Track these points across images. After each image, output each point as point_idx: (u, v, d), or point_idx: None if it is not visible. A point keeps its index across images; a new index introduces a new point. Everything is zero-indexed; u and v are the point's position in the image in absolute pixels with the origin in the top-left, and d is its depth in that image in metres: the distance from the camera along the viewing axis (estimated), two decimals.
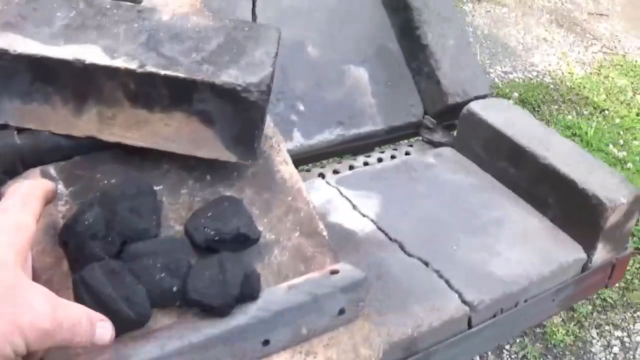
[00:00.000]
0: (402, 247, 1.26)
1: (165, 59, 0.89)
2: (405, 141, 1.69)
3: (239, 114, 0.93)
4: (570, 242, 1.32)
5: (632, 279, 2.35)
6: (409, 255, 1.25)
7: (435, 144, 1.60)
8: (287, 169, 1.08)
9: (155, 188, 0.89)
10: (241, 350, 0.80)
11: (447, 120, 1.61)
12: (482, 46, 3.74)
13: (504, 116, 1.47)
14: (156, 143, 0.94)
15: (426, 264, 1.23)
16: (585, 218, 1.29)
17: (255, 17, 1.51)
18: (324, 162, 1.58)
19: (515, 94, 3.35)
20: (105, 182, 0.89)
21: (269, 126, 1.11)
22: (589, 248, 1.30)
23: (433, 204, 1.37)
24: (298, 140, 1.45)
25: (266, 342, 0.81)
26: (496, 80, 3.52)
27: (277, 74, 1.47)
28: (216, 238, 0.85)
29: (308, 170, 1.50)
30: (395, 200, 1.38)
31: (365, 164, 1.54)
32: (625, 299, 2.28)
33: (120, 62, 0.87)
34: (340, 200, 1.37)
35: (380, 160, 1.55)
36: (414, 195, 1.39)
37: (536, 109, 3.35)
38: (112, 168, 0.90)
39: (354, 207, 1.35)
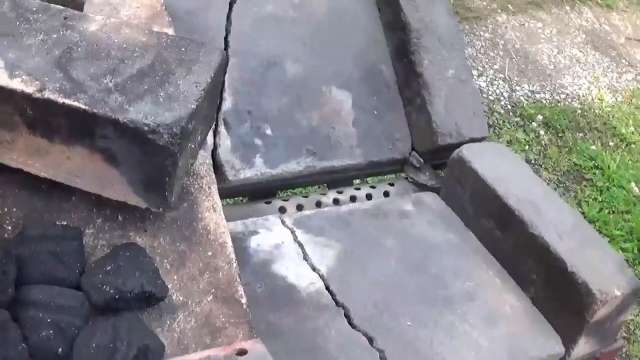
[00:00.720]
0: (347, 315, 1.08)
1: (72, 82, 0.77)
2: (393, 176, 1.50)
3: (146, 157, 0.79)
4: (549, 330, 1.12)
5: (634, 330, 2.15)
6: (354, 326, 1.06)
7: (420, 186, 1.41)
8: (213, 218, 0.93)
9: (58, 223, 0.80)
10: None
11: (437, 159, 1.41)
12: (511, 61, 3.50)
13: (497, 167, 1.27)
14: (58, 176, 0.81)
15: (371, 340, 1.05)
16: (570, 306, 1.10)
17: (229, 25, 1.33)
18: (291, 192, 1.40)
19: (540, 117, 3.13)
20: (6, 209, 0.80)
21: (204, 162, 0.97)
22: (569, 341, 1.11)
23: (398, 264, 1.18)
24: (259, 168, 1.27)
25: None
26: (522, 99, 3.30)
27: (247, 90, 1.29)
28: (116, 297, 0.75)
29: (268, 202, 1.32)
30: (356, 253, 1.19)
31: (336, 201, 1.35)
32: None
33: (17, 84, 0.75)
34: (292, 246, 1.19)
35: (353, 198, 1.36)
36: (378, 250, 1.21)
37: (559, 135, 3.13)
38: (16, 195, 0.81)
39: (306, 256, 1.17)
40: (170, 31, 1.05)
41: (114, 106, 0.75)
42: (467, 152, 1.30)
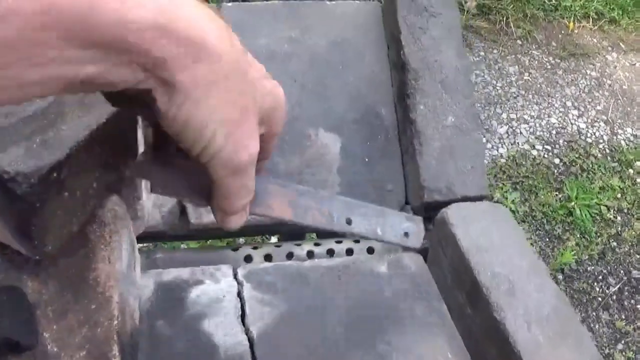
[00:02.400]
0: None
1: None
2: None
3: (12, 205, 0.73)
4: None
5: None
6: None
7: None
8: (105, 269, 0.86)
9: None
10: None
11: (431, 216, 1.25)
12: (616, 102, 3.21)
13: (482, 233, 1.11)
14: None
15: None
16: None
17: None
18: (264, 238, 1.29)
19: (638, 164, 2.85)
20: None
21: (112, 209, 0.89)
22: None
23: (343, 335, 1.05)
24: None
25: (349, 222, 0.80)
26: (622, 142, 3.03)
27: None
28: None
29: (235, 250, 1.22)
30: (300, 316, 1.07)
31: (310, 253, 1.23)
32: None
33: None
34: (233, 301, 1.08)
35: (331, 252, 1.24)
36: (327, 316, 1.08)
37: None
38: None
39: (244, 315, 1.06)
40: None
41: None
42: (453, 213, 1.14)
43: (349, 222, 0.86)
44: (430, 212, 1.24)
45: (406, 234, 0.89)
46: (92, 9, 0.42)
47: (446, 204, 1.18)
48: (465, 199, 1.19)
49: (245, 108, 0.55)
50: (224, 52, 0.50)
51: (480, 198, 1.21)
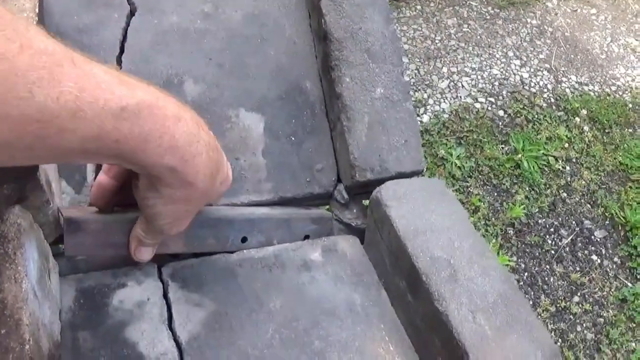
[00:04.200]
0: None
1: None
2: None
3: None
4: None
5: None
6: None
7: (345, 226, 1.19)
8: (12, 290, 0.80)
9: None
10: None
11: (365, 195, 1.18)
12: (559, 50, 3.18)
13: (419, 214, 1.04)
14: None
15: None
16: None
17: (125, 41, 1.15)
18: None
19: (584, 112, 2.82)
20: None
21: (14, 223, 0.81)
22: None
23: (276, 333, 0.98)
24: None
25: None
26: (567, 91, 3.00)
27: None
28: None
29: None
30: (230, 316, 0.99)
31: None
32: None
33: None
34: (158, 304, 1.00)
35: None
36: (258, 314, 1.00)
37: (606, 131, 2.83)
38: None
39: (170, 319, 0.98)
40: None
41: None
42: (387, 192, 1.07)
43: (244, 240, 1.02)
44: (364, 190, 1.17)
45: (306, 237, 1.04)
46: (136, 152, 0.68)
47: (380, 181, 1.10)
48: (400, 175, 1.12)
49: (195, 212, 0.85)
50: (199, 186, 0.76)
51: (416, 173, 1.13)
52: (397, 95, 1.15)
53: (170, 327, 0.97)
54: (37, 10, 1.01)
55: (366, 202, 1.17)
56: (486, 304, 0.93)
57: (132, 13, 1.19)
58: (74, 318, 0.97)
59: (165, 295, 1.01)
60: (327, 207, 1.23)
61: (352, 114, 1.11)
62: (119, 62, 1.14)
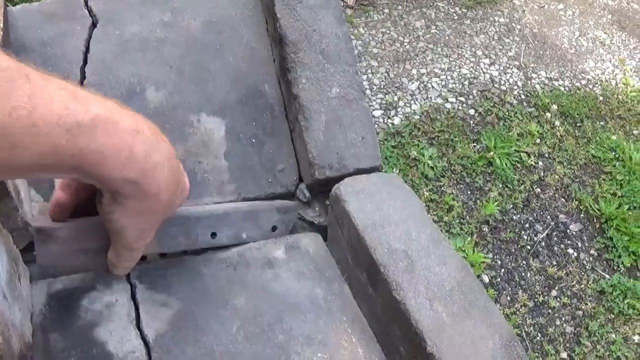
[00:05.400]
0: None
1: None
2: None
3: None
4: None
5: None
6: None
7: (308, 224, 1.22)
8: None
9: None
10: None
11: (327, 193, 1.21)
12: (527, 47, 3.23)
13: (377, 208, 1.07)
14: None
15: None
16: None
17: (87, 52, 1.18)
18: None
19: (555, 107, 2.87)
20: None
21: None
22: None
23: (240, 329, 1.00)
24: None
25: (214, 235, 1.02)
26: (537, 87, 3.04)
27: None
28: None
29: None
30: (195, 315, 1.02)
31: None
32: None
33: None
34: (126, 305, 1.02)
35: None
36: (223, 311, 1.03)
37: (578, 124, 2.87)
38: None
39: (138, 320, 1.01)
40: None
41: None
42: (345, 189, 1.10)
43: (213, 235, 1.03)
44: (325, 188, 1.20)
45: (274, 228, 1.05)
46: (95, 167, 0.69)
47: (339, 178, 1.13)
48: (359, 171, 1.15)
49: (159, 221, 0.86)
50: (162, 196, 0.78)
51: (374, 169, 1.17)
52: (353, 94, 1.18)
53: (138, 326, 1.00)
54: (1, 25, 1.04)
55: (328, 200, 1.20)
56: (443, 291, 0.96)
57: (94, 25, 1.22)
58: (44, 320, 0.99)
59: (133, 297, 1.04)
60: None
61: (309, 114, 1.14)
62: (83, 72, 1.17)
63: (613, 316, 2.75)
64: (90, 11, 1.23)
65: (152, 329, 0.99)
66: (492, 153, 2.99)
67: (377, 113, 3.00)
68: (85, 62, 1.18)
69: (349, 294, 1.08)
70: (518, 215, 2.91)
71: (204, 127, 1.19)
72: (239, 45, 1.25)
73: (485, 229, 2.83)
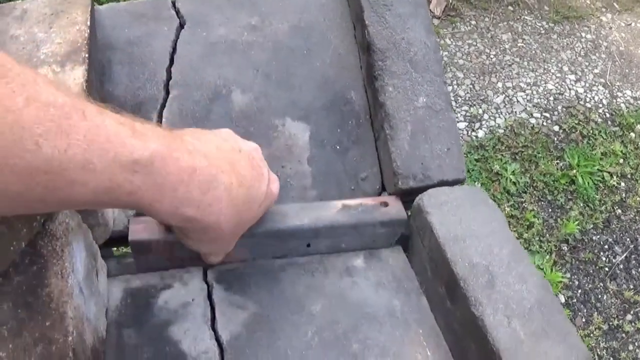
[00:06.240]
0: None
1: None
2: None
3: None
4: None
5: None
6: None
7: None
8: (59, 284, 0.83)
9: None
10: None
11: (411, 202, 1.19)
12: (614, 64, 3.13)
13: (460, 221, 1.05)
14: None
15: None
16: None
17: (174, 53, 1.20)
18: None
19: (639, 127, 2.77)
20: None
21: (63, 222, 0.85)
22: None
23: (316, 336, 1.00)
24: None
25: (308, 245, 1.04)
26: (622, 106, 2.95)
27: (186, 126, 1.15)
28: None
29: None
30: (271, 319, 1.02)
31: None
32: None
33: None
34: (202, 305, 1.03)
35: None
36: (299, 316, 1.03)
37: None
38: None
39: (213, 320, 1.01)
40: (80, 70, 0.95)
41: None
42: (428, 200, 1.08)
43: (308, 245, 1.06)
44: (409, 199, 1.18)
45: (375, 240, 1.08)
46: (152, 204, 0.71)
47: (422, 189, 1.12)
48: (442, 183, 1.13)
49: (231, 242, 0.93)
50: (223, 228, 0.81)
51: (458, 182, 1.14)
52: (440, 105, 1.16)
53: (213, 327, 1.00)
54: (88, 23, 1.07)
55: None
56: (522, 309, 0.93)
57: (181, 26, 1.24)
58: (120, 316, 1.00)
59: (209, 297, 1.04)
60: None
61: (395, 123, 1.13)
62: (169, 73, 1.19)
63: None
64: (177, 12, 1.25)
65: (227, 330, 0.99)
66: (574, 171, 2.91)
67: (462, 125, 2.96)
68: (171, 62, 1.20)
69: (427, 307, 1.06)
70: (598, 236, 2.82)
71: (288, 132, 1.19)
72: (327, 51, 1.25)
73: (565, 248, 2.76)
